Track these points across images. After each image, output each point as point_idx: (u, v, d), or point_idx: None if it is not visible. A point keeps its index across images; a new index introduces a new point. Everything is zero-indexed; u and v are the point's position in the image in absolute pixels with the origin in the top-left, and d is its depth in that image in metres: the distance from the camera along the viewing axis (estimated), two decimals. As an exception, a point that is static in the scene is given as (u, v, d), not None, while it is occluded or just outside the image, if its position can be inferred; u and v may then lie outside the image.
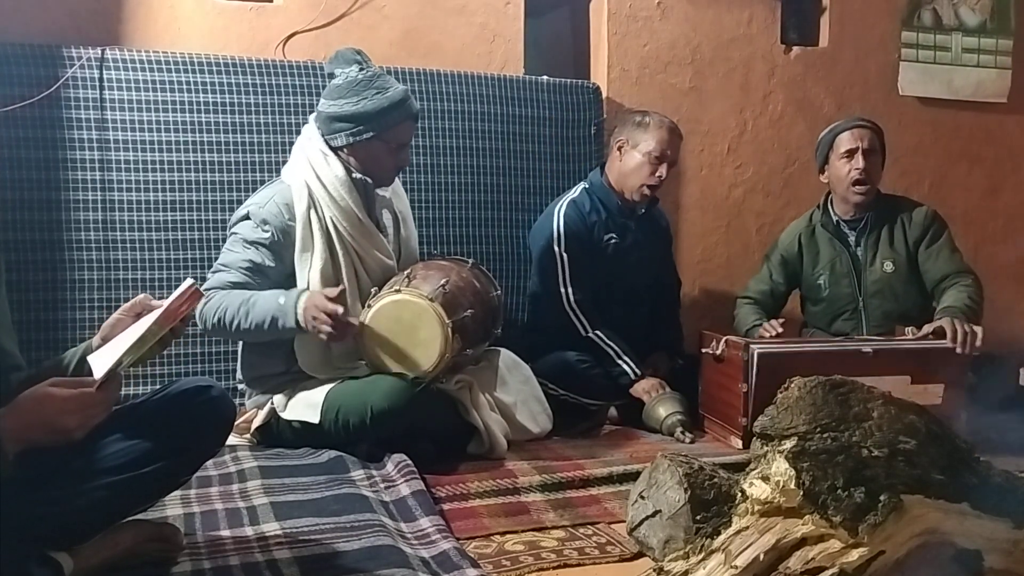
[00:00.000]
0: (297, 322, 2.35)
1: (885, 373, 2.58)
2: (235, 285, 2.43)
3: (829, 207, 3.17)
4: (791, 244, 3.21)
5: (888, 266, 3.08)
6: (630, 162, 3.03)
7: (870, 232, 3.11)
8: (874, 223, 3.11)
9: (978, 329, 2.70)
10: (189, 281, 1.60)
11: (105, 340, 1.61)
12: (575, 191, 3.11)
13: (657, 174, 3.01)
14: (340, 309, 2.33)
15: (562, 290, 2.97)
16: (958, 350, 2.67)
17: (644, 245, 3.14)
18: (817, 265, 3.17)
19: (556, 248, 2.99)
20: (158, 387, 1.74)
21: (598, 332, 2.96)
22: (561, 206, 3.05)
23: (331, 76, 2.56)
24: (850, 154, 3.06)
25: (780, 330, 2.93)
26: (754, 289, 3.24)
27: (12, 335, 1.65)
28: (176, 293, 1.58)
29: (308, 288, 2.44)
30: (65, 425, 1.40)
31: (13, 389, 1.49)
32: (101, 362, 1.49)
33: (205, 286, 2.46)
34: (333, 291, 2.38)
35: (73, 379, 1.47)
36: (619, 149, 3.06)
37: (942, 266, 3.03)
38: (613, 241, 3.07)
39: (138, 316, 1.62)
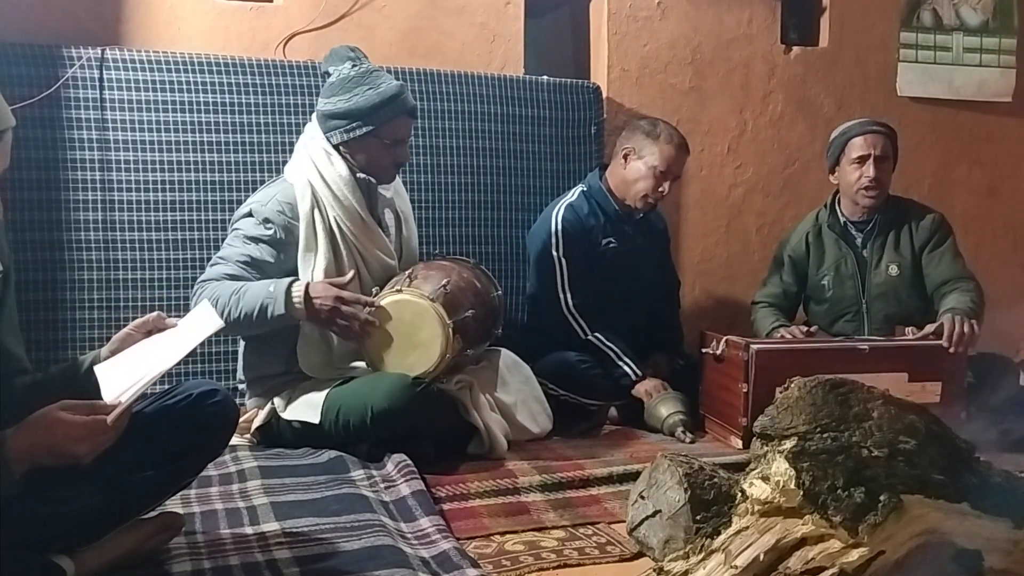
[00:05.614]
0: (293, 309, 2.34)
1: (882, 370, 2.59)
2: (231, 278, 2.42)
3: (836, 207, 3.15)
4: (799, 244, 3.18)
5: (893, 269, 3.07)
6: (634, 172, 3.01)
7: (877, 235, 3.09)
8: (882, 226, 3.10)
9: (976, 326, 2.71)
10: (217, 322, 1.61)
11: (114, 354, 1.60)
12: (572, 194, 3.09)
13: (660, 189, 2.99)
14: (379, 302, 2.40)
15: (560, 295, 2.96)
16: (950, 349, 2.68)
17: (642, 249, 3.13)
18: (822, 265, 3.15)
19: (555, 252, 2.97)
20: (162, 390, 1.73)
21: (597, 335, 2.95)
22: (559, 209, 3.03)
23: (326, 74, 2.57)
24: (861, 160, 3.02)
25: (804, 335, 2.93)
26: (767, 292, 3.22)
27: (19, 338, 1.65)
28: (200, 333, 1.59)
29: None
30: (74, 452, 1.40)
31: (19, 393, 1.49)
32: (112, 384, 1.47)
33: (201, 278, 2.47)
34: (342, 280, 2.39)
35: (85, 403, 1.44)
36: (625, 156, 3.02)
37: (944, 271, 3.03)
38: (612, 246, 3.05)
39: (149, 333, 1.62)
